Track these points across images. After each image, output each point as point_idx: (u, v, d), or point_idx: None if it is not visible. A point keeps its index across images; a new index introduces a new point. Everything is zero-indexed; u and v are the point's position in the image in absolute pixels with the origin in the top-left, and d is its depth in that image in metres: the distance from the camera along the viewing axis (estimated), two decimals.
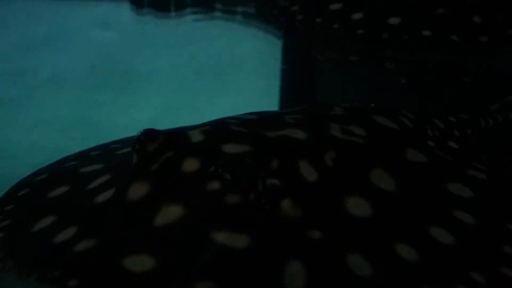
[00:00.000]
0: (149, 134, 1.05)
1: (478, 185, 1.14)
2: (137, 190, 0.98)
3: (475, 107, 1.68)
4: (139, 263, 0.88)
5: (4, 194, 1.21)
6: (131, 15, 2.85)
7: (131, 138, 1.09)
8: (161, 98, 1.96)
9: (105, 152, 1.34)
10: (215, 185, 0.96)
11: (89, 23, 2.70)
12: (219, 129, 1.10)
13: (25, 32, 2.58)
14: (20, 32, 2.59)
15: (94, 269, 0.89)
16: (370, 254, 0.92)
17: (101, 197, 1.04)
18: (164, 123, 1.18)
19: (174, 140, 1.05)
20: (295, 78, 2.16)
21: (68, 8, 2.85)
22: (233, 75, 2.16)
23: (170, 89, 2.05)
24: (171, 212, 0.95)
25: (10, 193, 1.20)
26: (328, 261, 0.90)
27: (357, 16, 2.33)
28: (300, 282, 0.87)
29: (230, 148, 1.03)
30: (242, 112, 1.27)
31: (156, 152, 1.03)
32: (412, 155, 1.17)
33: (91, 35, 2.55)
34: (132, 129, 1.36)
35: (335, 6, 2.38)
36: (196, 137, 1.06)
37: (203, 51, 2.41)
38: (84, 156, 1.33)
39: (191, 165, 1.00)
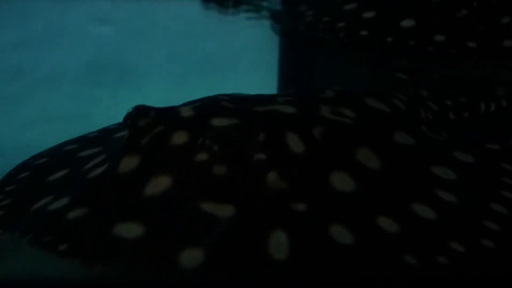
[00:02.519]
0: (140, 110, 1.08)
1: (463, 167, 1.15)
2: (128, 163, 1.01)
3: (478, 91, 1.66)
4: (128, 230, 0.91)
5: (5, 175, 1.24)
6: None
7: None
8: (159, 93, 1.96)
9: (104, 135, 1.37)
10: (202, 156, 0.99)
11: (86, 19, 2.71)
12: (209, 105, 1.13)
13: (22, 29, 2.60)
14: (17, 29, 2.60)
15: (84, 235, 0.92)
16: (352, 225, 0.94)
17: (95, 172, 1.07)
18: None
19: (165, 115, 1.08)
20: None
21: (65, 5, 2.86)
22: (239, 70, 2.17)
23: (168, 84, 2.05)
24: (160, 183, 0.97)
25: (11, 174, 1.24)
26: (312, 231, 0.92)
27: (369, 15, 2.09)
28: (284, 250, 0.89)
29: (218, 122, 1.05)
30: None
31: (147, 127, 1.05)
32: (400, 137, 1.18)
33: (89, 31, 2.57)
34: None
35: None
36: (186, 112, 1.09)
37: (207, 46, 2.42)
38: (83, 139, 1.36)
39: (179, 138, 1.02)
